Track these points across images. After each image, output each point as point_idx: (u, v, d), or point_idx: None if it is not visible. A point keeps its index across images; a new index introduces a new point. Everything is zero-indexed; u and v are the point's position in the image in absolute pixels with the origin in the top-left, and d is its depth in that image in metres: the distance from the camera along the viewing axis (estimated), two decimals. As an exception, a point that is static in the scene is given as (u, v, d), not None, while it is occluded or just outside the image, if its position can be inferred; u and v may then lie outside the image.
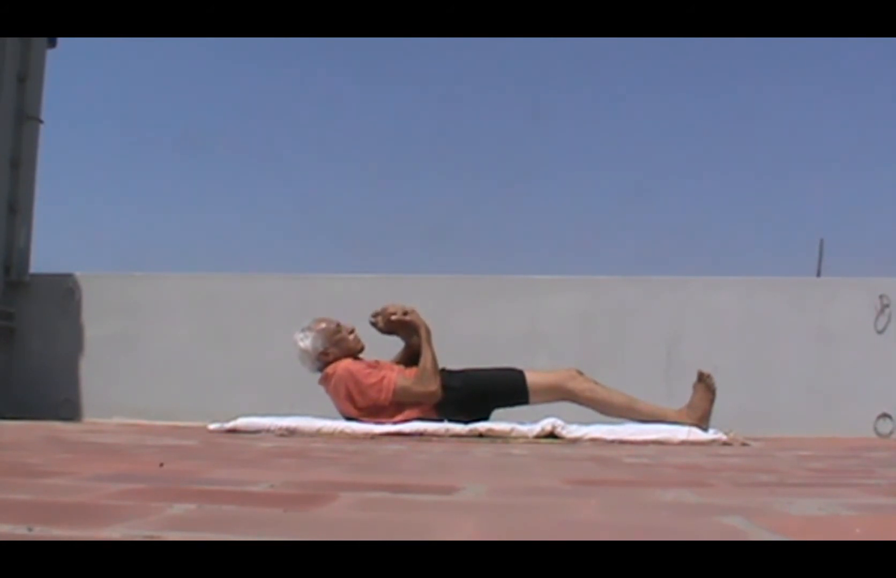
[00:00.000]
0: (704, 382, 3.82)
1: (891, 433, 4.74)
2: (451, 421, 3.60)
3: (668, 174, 9.78)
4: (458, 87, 10.68)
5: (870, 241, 8.56)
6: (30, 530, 0.90)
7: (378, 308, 3.90)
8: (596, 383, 3.87)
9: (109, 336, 5.26)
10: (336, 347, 3.86)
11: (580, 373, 3.90)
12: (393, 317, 3.87)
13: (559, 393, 3.85)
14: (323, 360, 3.85)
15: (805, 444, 3.47)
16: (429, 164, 10.39)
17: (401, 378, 3.76)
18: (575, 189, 10.08)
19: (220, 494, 1.32)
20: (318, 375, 3.87)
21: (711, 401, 3.80)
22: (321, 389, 3.87)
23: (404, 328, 3.90)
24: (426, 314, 3.94)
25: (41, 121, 5.53)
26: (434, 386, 3.75)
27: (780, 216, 9.51)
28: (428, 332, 3.82)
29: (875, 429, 4.74)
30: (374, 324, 3.90)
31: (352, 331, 3.91)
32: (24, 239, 5.42)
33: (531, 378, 3.88)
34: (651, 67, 9.86)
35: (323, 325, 3.89)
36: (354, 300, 4.54)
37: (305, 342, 3.87)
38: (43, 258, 5.61)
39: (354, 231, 9.56)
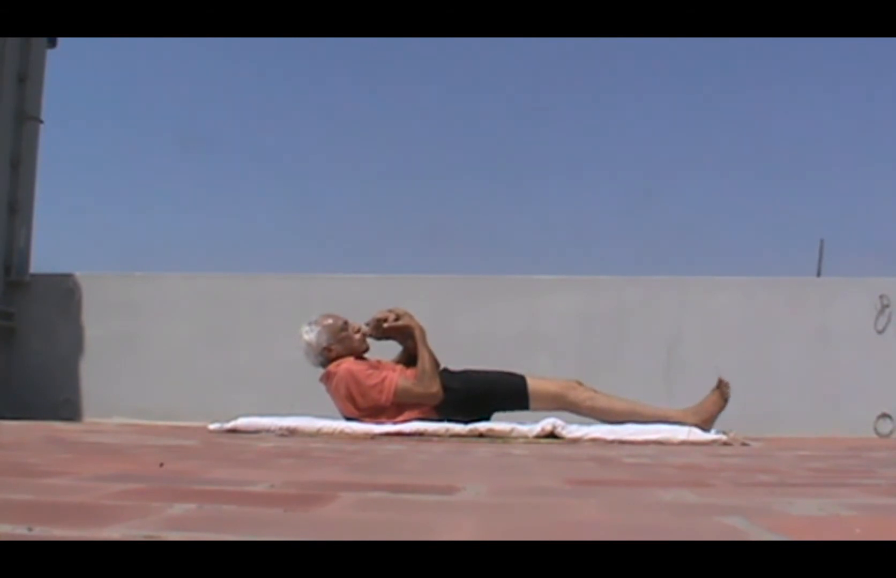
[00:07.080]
0: (721, 389, 3.83)
1: (891, 433, 4.74)
2: (451, 421, 3.60)
3: (668, 174, 9.79)
4: (459, 87, 10.69)
5: (870, 241, 8.57)
6: (30, 530, 0.90)
7: (370, 317, 3.89)
8: (595, 391, 3.87)
9: (109, 336, 5.26)
10: (340, 344, 3.85)
11: (580, 384, 3.89)
12: (385, 325, 3.86)
13: (560, 404, 3.85)
14: (326, 355, 3.85)
15: (805, 444, 3.47)
16: (428, 164, 10.39)
17: (402, 379, 3.76)
18: (575, 189, 10.10)
19: (220, 494, 1.32)
20: (320, 372, 3.87)
21: (721, 409, 3.81)
22: (321, 389, 3.86)
23: (398, 333, 3.89)
24: (426, 314, 3.94)
25: (41, 121, 5.53)
26: (435, 387, 3.75)
27: (780, 216, 9.52)
28: (423, 333, 3.82)
29: (875, 429, 4.74)
30: (367, 335, 3.89)
31: (358, 331, 3.91)
32: (24, 239, 5.42)
33: (532, 384, 3.87)
34: (652, 68, 9.86)
35: (329, 321, 3.88)
36: (354, 300, 4.54)
37: (310, 335, 3.86)
38: (43, 258, 5.62)
39: (353, 231, 9.56)
